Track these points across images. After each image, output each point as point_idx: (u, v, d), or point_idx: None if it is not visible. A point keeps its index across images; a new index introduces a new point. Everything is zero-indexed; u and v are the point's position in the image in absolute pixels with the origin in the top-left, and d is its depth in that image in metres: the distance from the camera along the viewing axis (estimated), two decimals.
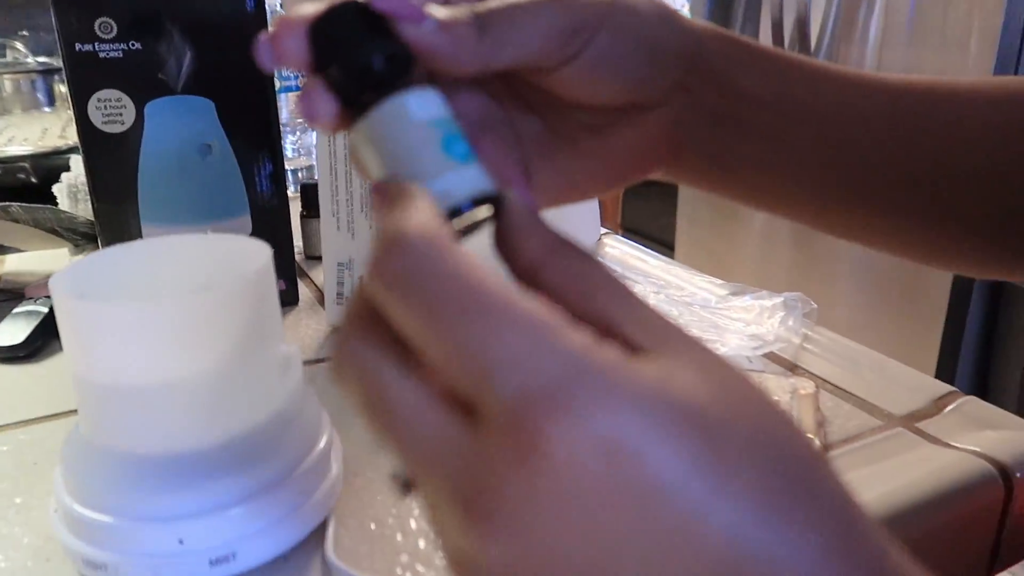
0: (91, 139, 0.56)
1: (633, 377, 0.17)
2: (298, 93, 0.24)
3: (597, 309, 0.19)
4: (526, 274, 0.20)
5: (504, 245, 0.21)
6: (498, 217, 0.21)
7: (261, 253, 0.36)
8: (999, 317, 1.61)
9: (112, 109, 0.56)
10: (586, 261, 0.20)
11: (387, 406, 0.18)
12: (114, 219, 0.58)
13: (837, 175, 0.33)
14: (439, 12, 0.25)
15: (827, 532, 0.17)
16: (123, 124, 0.56)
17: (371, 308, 0.19)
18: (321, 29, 0.23)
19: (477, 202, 0.22)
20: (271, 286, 0.36)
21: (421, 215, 0.19)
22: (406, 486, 0.20)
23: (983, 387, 1.62)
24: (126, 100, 0.56)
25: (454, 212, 0.22)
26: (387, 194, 0.21)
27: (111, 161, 0.57)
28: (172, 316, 0.32)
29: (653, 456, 0.16)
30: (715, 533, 0.16)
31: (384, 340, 0.19)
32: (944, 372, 1.54)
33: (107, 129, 0.56)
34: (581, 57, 0.29)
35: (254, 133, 0.60)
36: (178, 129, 0.57)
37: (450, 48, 0.25)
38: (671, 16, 0.31)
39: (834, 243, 1.81)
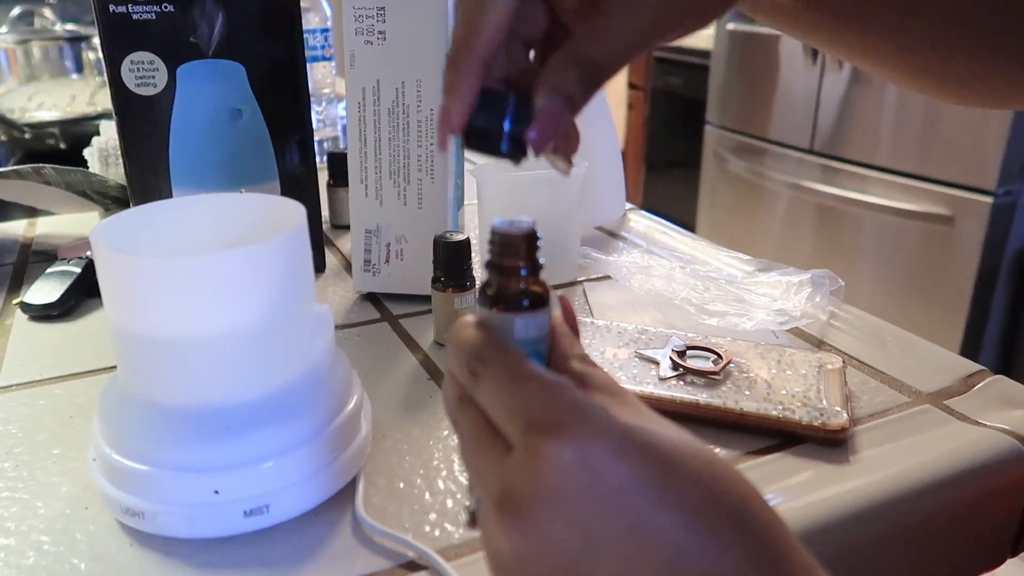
0: (124, 101, 0.57)
1: (611, 418, 0.24)
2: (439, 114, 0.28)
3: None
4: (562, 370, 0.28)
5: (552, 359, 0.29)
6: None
7: (295, 212, 0.37)
8: None
9: (145, 72, 0.56)
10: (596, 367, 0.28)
11: (468, 445, 0.26)
12: (145, 182, 0.59)
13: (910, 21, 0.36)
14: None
15: (750, 550, 0.22)
16: (155, 87, 0.56)
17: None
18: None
19: None
20: (305, 245, 0.36)
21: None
22: (472, 519, 0.27)
23: (1007, 369, 1.61)
24: (159, 63, 0.56)
25: None
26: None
27: (143, 124, 0.57)
28: (210, 271, 0.32)
29: (615, 470, 0.22)
30: (661, 534, 0.22)
31: (465, 399, 0.27)
32: (968, 353, 1.53)
33: (140, 91, 0.56)
34: None
35: (284, 100, 0.60)
36: (209, 93, 0.58)
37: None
38: None
39: (858, 227, 1.79)
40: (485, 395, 0.26)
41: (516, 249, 0.27)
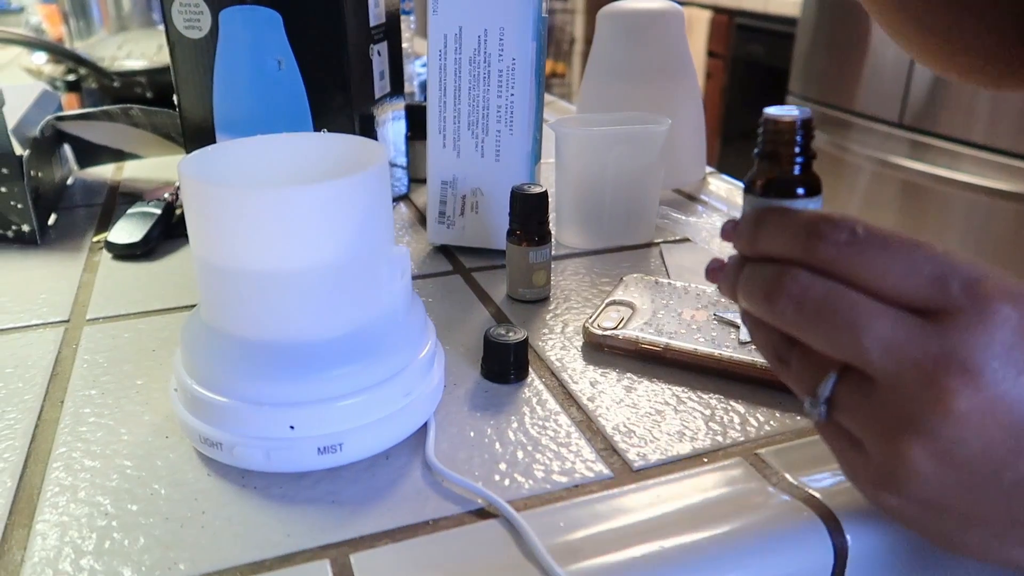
0: (176, 43, 0.57)
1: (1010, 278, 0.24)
2: None
3: None
4: None
5: None
6: None
7: (377, 151, 0.36)
8: None
9: (191, 14, 0.56)
10: None
11: (850, 312, 0.24)
12: (196, 124, 0.59)
13: None
14: None
15: None
16: (201, 30, 0.57)
17: (801, 264, 0.26)
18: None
19: None
20: (385, 184, 0.36)
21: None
22: (828, 405, 0.27)
23: None
24: (203, 5, 0.56)
25: None
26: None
27: (193, 67, 0.58)
28: (292, 204, 0.32)
29: None
30: None
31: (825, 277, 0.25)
32: None
33: (188, 34, 0.57)
34: None
35: (323, 57, 0.57)
36: (248, 40, 0.57)
37: None
38: None
39: (946, 207, 1.71)
40: (860, 263, 0.24)
41: (791, 136, 0.27)
